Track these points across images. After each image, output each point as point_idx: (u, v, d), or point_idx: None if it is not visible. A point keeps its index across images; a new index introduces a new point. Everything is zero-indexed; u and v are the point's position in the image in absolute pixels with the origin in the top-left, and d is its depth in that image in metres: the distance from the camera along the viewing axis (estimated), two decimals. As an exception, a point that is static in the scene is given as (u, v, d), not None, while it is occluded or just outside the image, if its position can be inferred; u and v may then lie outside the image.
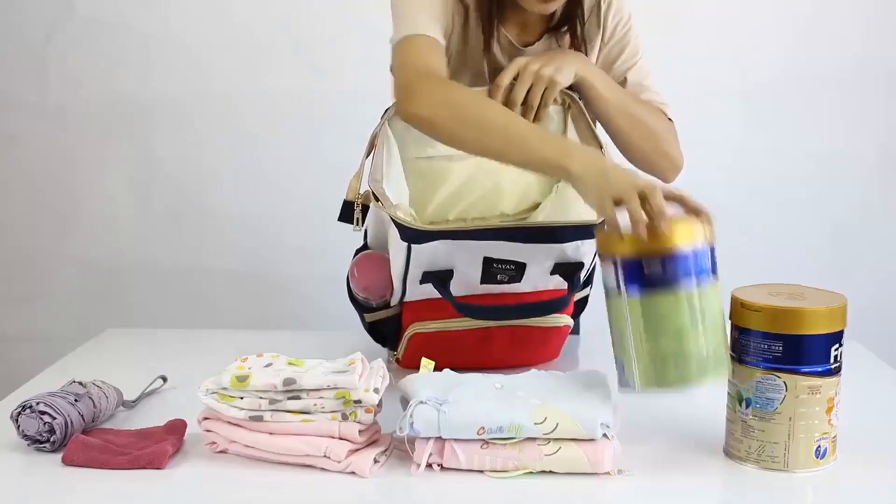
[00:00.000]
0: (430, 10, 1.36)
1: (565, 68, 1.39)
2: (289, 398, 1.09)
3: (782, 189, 2.53)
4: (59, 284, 2.58)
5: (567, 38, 1.48)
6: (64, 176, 2.55)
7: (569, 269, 1.38)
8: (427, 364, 1.19)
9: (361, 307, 1.46)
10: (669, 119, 1.54)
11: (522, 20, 1.46)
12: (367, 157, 1.40)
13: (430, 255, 1.32)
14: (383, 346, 1.51)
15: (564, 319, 1.43)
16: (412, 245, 1.30)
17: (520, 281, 1.37)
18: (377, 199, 1.33)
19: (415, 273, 1.34)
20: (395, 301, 1.42)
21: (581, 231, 1.32)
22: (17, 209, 2.57)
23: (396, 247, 1.33)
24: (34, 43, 2.49)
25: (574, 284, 1.39)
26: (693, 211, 1.13)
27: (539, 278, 1.38)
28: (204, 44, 2.47)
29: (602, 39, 1.51)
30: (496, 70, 1.42)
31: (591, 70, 1.44)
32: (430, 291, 1.37)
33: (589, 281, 1.52)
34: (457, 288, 1.36)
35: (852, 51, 2.47)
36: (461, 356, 1.36)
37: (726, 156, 2.51)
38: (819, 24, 2.47)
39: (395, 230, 1.31)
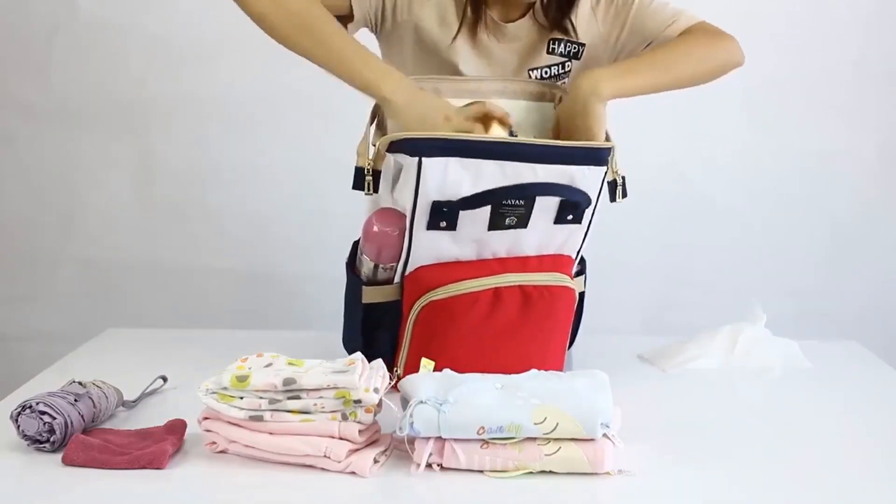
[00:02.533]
0: None
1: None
2: (289, 398, 1.09)
3: (782, 188, 2.53)
4: (59, 284, 2.58)
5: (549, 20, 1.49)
6: (64, 176, 2.55)
7: (574, 208, 1.37)
8: (427, 364, 1.19)
9: (361, 282, 1.40)
10: (701, 25, 1.51)
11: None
12: (371, 123, 1.39)
13: (440, 177, 1.28)
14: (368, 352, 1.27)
15: (566, 280, 1.40)
16: (423, 162, 1.27)
17: (525, 226, 1.35)
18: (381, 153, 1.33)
19: (423, 208, 1.30)
20: (397, 275, 1.38)
21: (592, 152, 1.33)
22: (18, 209, 2.57)
23: (406, 178, 1.30)
24: (36, 42, 2.49)
25: (579, 218, 1.38)
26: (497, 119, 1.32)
27: (543, 226, 1.36)
28: (205, 44, 2.47)
29: (618, 38, 1.51)
30: (480, 48, 1.47)
31: (617, 84, 1.39)
32: (434, 254, 1.34)
33: (582, 270, 1.52)
34: (461, 245, 1.35)
35: (851, 50, 2.48)
36: (478, 320, 1.35)
37: (726, 155, 2.51)
38: (818, 24, 2.47)
39: (406, 163, 1.29)
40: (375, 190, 1.34)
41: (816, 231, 2.54)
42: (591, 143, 1.35)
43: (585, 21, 1.50)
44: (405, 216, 1.33)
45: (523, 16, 1.49)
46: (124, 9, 2.46)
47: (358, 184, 1.34)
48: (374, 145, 1.34)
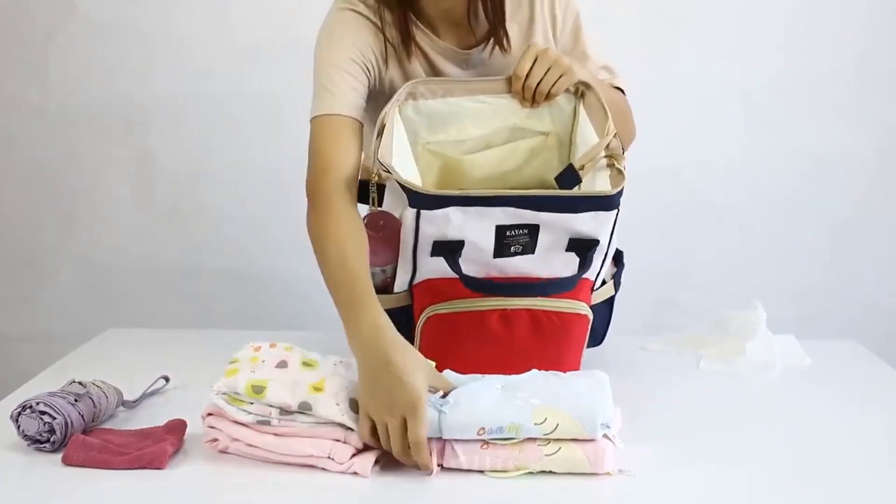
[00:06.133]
0: (342, 77, 1.39)
1: (577, 67, 1.42)
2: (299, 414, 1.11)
3: (782, 188, 2.53)
4: (59, 284, 2.58)
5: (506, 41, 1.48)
6: (64, 176, 2.54)
7: (583, 246, 1.33)
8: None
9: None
10: (623, 90, 1.56)
11: (447, 21, 1.46)
12: (376, 137, 1.38)
13: (440, 224, 1.28)
14: None
15: (581, 307, 1.36)
16: (421, 213, 1.27)
17: (533, 252, 1.33)
18: (388, 172, 1.31)
19: (425, 244, 1.30)
20: (403, 284, 1.37)
21: (594, 201, 1.29)
22: (18, 209, 2.57)
23: (406, 218, 1.30)
24: (35, 42, 2.48)
25: (586, 262, 1.33)
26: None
27: (553, 252, 1.33)
28: (204, 44, 2.46)
29: (554, 33, 1.51)
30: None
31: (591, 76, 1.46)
32: (442, 270, 1.33)
33: (618, 278, 1.50)
34: (468, 265, 1.32)
35: (852, 50, 2.47)
36: (486, 340, 1.32)
37: (726, 156, 2.51)
38: (818, 24, 2.47)
39: (405, 199, 1.28)
40: (379, 204, 1.35)
41: (816, 231, 2.54)
42: (595, 192, 1.31)
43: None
44: (394, 216, 1.33)
45: (479, 43, 1.48)
46: (123, 9, 2.46)
47: (363, 198, 1.37)
48: (379, 161, 1.32)
